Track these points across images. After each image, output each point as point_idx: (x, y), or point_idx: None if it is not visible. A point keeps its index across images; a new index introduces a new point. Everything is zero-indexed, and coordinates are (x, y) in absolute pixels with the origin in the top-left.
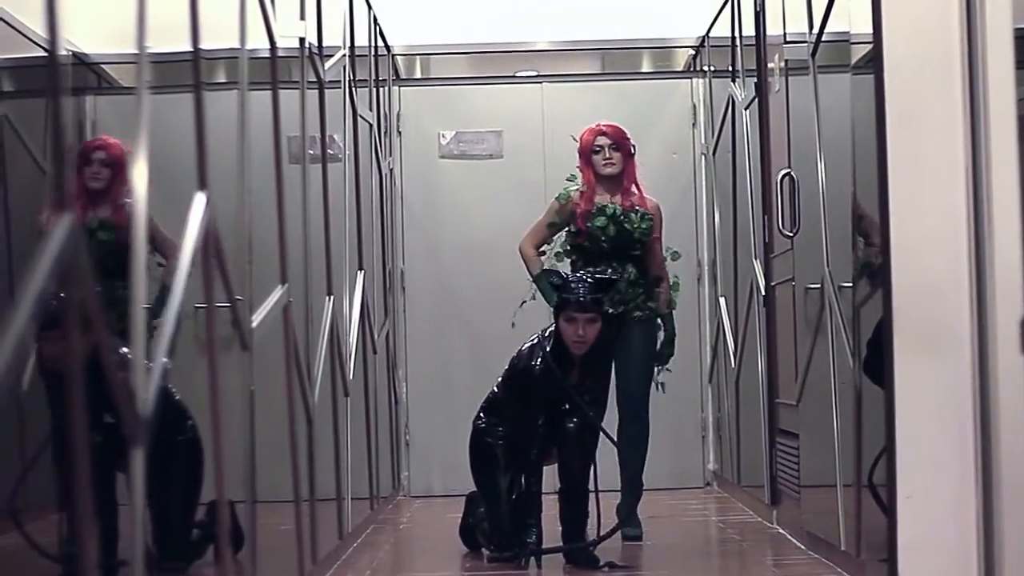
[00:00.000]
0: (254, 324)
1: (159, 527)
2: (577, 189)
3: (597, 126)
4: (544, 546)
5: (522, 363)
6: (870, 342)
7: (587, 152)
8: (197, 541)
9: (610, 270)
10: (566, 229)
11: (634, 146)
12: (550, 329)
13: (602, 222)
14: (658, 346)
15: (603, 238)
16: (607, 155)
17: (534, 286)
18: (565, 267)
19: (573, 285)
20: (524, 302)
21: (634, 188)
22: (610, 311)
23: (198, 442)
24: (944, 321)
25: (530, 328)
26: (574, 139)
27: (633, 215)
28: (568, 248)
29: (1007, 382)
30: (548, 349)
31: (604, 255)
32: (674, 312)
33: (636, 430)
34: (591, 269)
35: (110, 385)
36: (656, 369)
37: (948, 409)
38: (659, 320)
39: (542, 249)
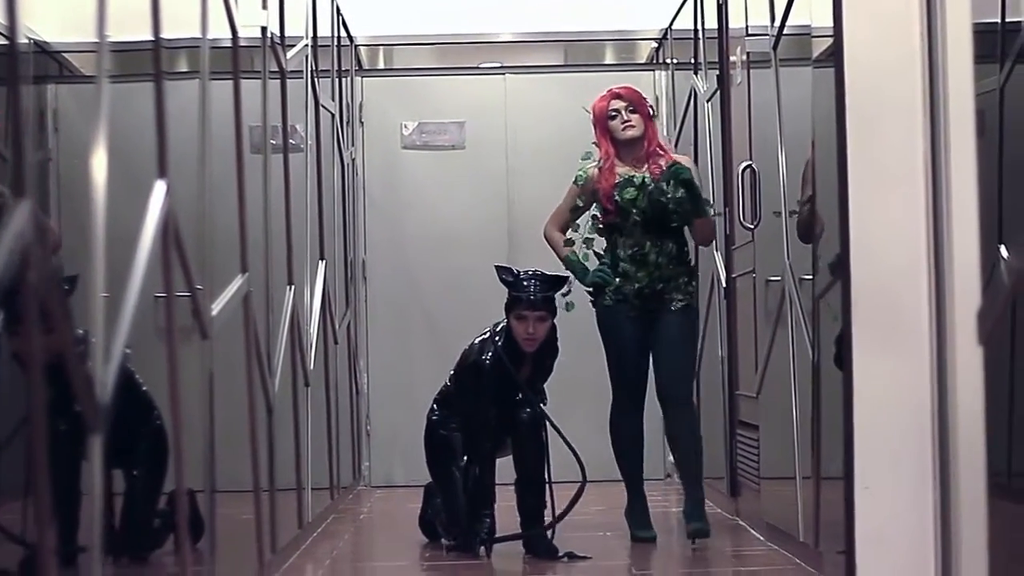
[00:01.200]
0: (214, 313)
1: (122, 515)
2: (594, 166)
3: (610, 91)
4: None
5: (472, 356)
6: (839, 338)
7: (603, 119)
8: (157, 530)
9: (649, 246)
10: (592, 211)
11: (652, 107)
12: (502, 324)
13: (631, 194)
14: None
15: (634, 211)
16: (625, 117)
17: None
18: (600, 246)
19: (524, 283)
20: (567, 302)
21: (660, 152)
22: (644, 289)
23: (163, 431)
24: (903, 314)
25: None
26: (586, 110)
27: (664, 184)
28: (600, 228)
29: (965, 374)
30: (500, 344)
31: (639, 231)
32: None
33: (682, 422)
34: (596, 253)
35: (69, 372)
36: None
37: (906, 401)
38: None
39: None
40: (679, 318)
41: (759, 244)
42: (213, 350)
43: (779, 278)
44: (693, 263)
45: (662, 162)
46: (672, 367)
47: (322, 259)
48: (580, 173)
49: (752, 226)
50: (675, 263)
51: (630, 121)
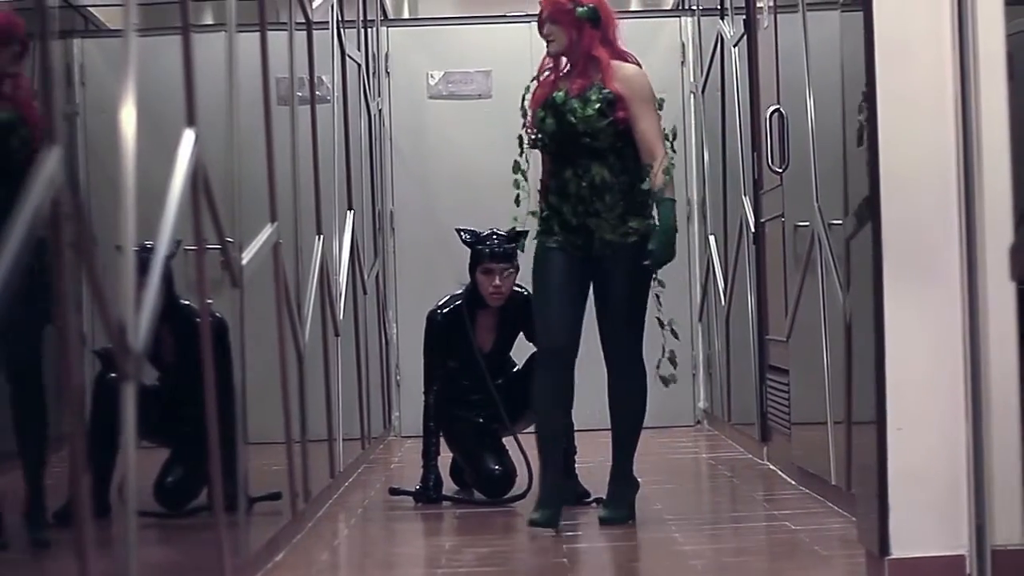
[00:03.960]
0: (244, 262)
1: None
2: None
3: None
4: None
5: (432, 309)
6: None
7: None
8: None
9: (569, 175)
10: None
11: (588, 8)
12: (468, 285)
13: (539, 114)
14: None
15: (540, 135)
16: (546, 30)
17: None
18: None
19: (487, 239)
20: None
21: (594, 64)
22: (570, 222)
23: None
24: (933, 251)
25: None
26: None
27: (576, 101)
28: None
29: (996, 311)
30: (460, 301)
31: (555, 158)
32: (673, 201)
33: (625, 388)
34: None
35: (103, 320)
36: (652, 284)
37: (938, 340)
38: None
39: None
40: (617, 264)
41: (788, 188)
42: (244, 299)
43: (808, 223)
44: (641, 193)
45: (592, 76)
46: (612, 323)
47: (350, 209)
48: (523, 95)
49: (780, 171)
50: (605, 192)
51: (550, 35)
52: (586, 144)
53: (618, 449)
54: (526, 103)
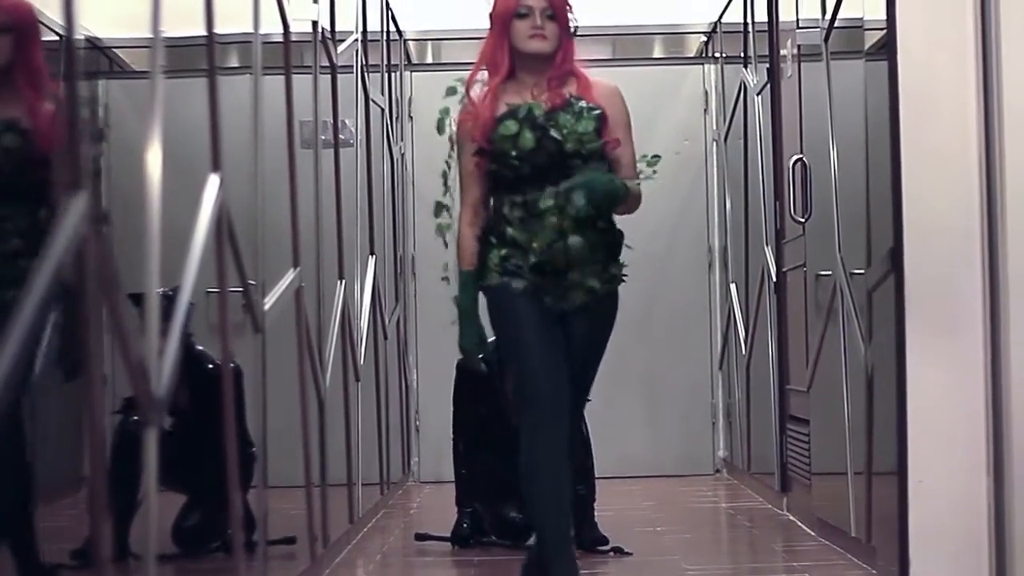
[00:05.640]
0: (266, 307)
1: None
2: (460, 100)
3: None
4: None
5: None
6: None
7: (506, 18)
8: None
9: (546, 204)
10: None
11: (577, 19)
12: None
13: (511, 128)
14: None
15: (514, 154)
16: (537, 22)
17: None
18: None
19: None
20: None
21: (570, 79)
22: (543, 264)
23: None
24: (957, 306)
25: None
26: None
27: (564, 113)
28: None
29: (1020, 367)
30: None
31: (525, 181)
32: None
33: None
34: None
35: (127, 365)
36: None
37: (961, 394)
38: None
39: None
40: (594, 316)
41: (810, 238)
42: (266, 344)
43: (830, 272)
44: (618, 230)
45: (570, 89)
46: (580, 380)
47: (372, 254)
48: (440, 117)
49: (803, 220)
50: (587, 228)
51: (543, 30)
52: (572, 166)
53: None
54: (451, 125)
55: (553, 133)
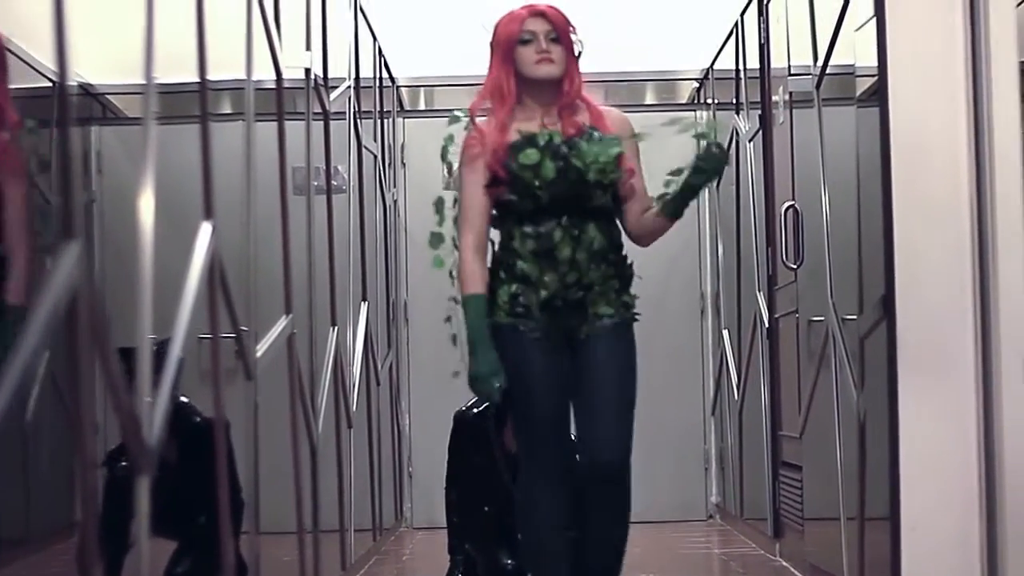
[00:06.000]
0: (259, 354)
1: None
2: (465, 127)
3: (527, 7)
4: None
5: (460, 412)
6: None
7: (509, 45)
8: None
9: (560, 236)
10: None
11: (581, 42)
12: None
13: (532, 157)
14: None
15: (536, 183)
16: (543, 46)
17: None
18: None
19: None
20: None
21: (581, 104)
22: (554, 300)
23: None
24: (949, 353)
25: None
26: (485, 28)
27: (584, 142)
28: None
29: (1011, 414)
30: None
31: (544, 211)
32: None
33: (607, 505)
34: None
35: (119, 415)
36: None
37: (953, 440)
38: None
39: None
40: (610, 343)
41: (802, 284)
42: (257, 391)
43: (822, 318)
44: (629, 260)
45: (582, 117)
46: (603, 420)
47: (364, 300)
48: (444, 145)
49: (795, 266)
50: (601, 261)
51: (549, 53)
52: (593, 197)
53: None
54: (450, 155)
55: (575, 162)
